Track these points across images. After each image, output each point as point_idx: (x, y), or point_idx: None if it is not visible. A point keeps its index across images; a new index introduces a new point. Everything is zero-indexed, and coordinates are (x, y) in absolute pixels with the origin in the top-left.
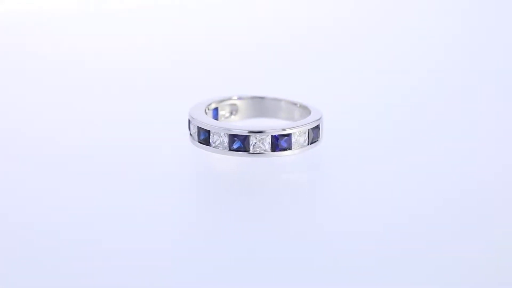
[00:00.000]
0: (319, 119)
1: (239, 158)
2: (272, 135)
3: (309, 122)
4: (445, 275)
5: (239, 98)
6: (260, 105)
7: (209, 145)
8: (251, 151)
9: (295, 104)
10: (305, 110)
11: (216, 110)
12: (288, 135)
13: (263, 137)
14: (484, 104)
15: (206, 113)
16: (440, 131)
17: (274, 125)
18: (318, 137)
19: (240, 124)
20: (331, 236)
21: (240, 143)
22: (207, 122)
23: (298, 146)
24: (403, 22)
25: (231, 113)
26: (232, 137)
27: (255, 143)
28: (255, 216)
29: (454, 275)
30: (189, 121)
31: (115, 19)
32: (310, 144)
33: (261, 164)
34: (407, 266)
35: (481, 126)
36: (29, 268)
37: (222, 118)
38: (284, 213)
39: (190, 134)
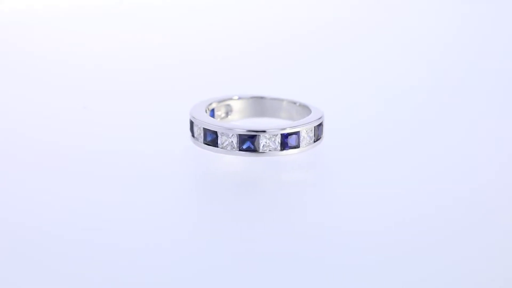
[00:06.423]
0: (321, 116)
1: (247, 158)
2: (281, 134)
3: (314, 120)
4: (449, 276)
5: (239, 98)
6: (260, 105)
7: (217, 146)
8: (260, 150)
9: (294, 103)
10: (305, 109)
11: (213, 110)
12: (297, 133)
13: (273, 135)
14: (486, 103)
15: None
16: (442, 129)
17: (280, 124)
18: (321, 135)
19: (247, 125)
20: (334, 234)
21: (249, 143)
22: (215, 123)
23: (305, 144)
24: (404, 20)
25: (227, 114)
26: (242, 137)
27: (265, 142)
28: (259, 216)
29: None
30: (192, 123)
31: (114, 19)
32: (315, 141)
33: (268, 163)
34: (409, 266)
35: (483, 124)
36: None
37: (218, 119)
38: (291, 211)
39: (193, 136)
